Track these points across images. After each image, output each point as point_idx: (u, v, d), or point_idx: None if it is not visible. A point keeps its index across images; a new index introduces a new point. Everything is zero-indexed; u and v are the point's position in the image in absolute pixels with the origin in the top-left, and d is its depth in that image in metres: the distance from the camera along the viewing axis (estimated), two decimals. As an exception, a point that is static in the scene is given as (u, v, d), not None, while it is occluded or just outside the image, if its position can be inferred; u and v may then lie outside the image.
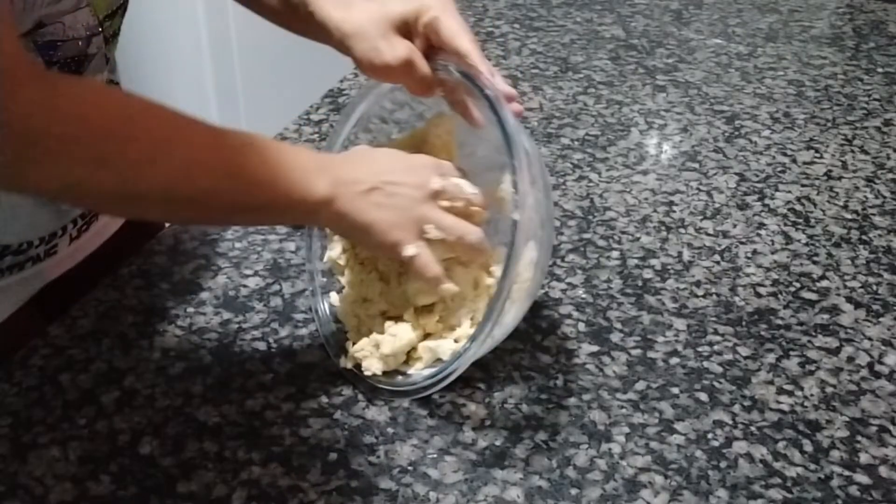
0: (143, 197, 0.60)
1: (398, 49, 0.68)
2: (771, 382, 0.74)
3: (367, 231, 0.66)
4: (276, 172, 0.63)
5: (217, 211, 0.65)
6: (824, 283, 0.86)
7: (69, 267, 0.85)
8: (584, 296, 0.83)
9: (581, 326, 0.79)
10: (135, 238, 0.91)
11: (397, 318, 0.73)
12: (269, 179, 0.63)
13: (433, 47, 0.70)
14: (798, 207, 0.97)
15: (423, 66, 0.69)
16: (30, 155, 0.54)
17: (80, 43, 0.69)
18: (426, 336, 0.72)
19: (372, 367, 0.71)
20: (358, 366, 0.72)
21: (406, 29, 0.69)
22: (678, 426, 0.70)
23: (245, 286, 0.83)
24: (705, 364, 0.76)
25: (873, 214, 0.96)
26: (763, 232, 0.93)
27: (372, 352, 0.71)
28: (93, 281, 0.83)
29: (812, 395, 0.73)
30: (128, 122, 0.59)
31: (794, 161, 1.06)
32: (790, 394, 0.73)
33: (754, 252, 0.90)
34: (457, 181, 0.68)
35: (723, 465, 0.67)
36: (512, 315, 0.68)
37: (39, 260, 0.81)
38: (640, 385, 0.73)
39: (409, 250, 0.66)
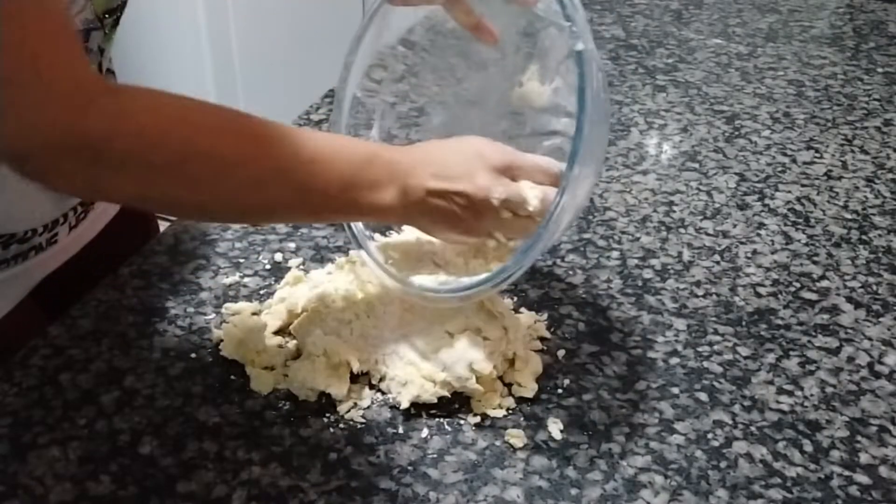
0: (215, 210, 0.65)
1: None
2: (771, 382, 0.74)
3: (434, 233, 0.71)
4: (344, 185, 0.64)
5: (289, 219, 0.73)
6: (824, 283, 0.86)
7: (69, 256, 0.86)
8: (584, 296, 0.83)
9: (581, 326, 0.79)
10: (130, 231, 0.91)
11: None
12: (337, 193, 0.64)
13: None
14: (798, 207, 0.97)
15: None
16: (102, 169, 0.56)
17: (78, 36, 0.69)
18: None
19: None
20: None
21: None
22: (678, 426, 0.70)
23: (245, 286, 0.83)
24: (705, 364, 0.76)
25: (873, 214, 0.96)
26: (763, 232, 0.93)
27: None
28: (90, 274, 0.83)
29: (812, 395, 0.73)
30: (195, 137, 0.59)
31: (794, 161, 1.06)
32: (790, 394, 0.73)
33: (754, 252, 0.90)
34: (519, 189, 0.67)
35: (723, 465, 0.67)
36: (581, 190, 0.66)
37: (42, 249, 0.81)
38: (640, 385, 0.73)
39: (496, 237, 0.69)
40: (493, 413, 0.70)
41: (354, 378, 0.71)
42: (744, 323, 0.81)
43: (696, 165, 1.04)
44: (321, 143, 0.65)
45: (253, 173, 0.61)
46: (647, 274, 0.86)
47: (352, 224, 0.76)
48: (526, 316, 0.79)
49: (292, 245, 0.88)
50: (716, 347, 0.78)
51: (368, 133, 0.80)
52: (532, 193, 0.67)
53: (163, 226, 0.95)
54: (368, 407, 0.71)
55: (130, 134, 0.56)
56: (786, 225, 0.94)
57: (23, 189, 0.74)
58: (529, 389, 0.71)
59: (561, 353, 0.76)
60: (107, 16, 0.72)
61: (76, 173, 0.56)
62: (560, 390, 0.73)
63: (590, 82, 0.59)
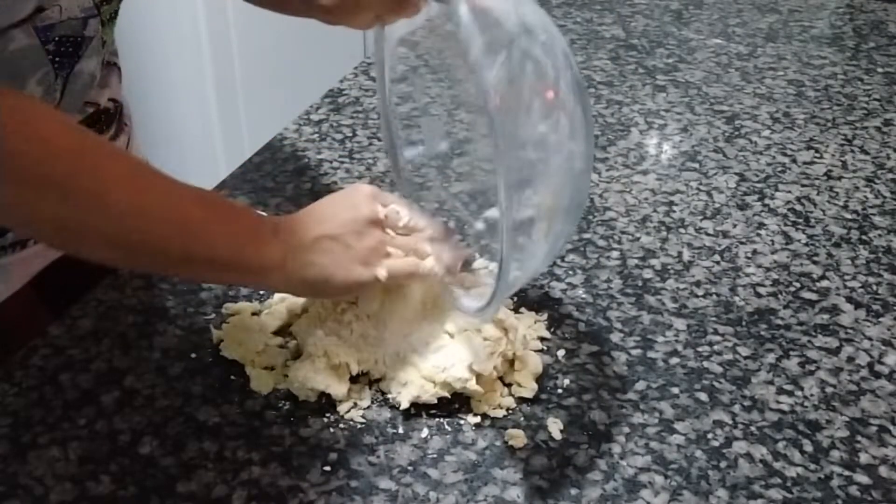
0: (87, 233, 0.60)
1: None
2: (771, 382, 0.74)
3: (325, 282, 0.67)
4: (230, 238, 0.65)
5: (166, 262, 0.65)
6: (824, 283, 0.86)
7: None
8: (584, 296, 0.83)
9: (581, 326, 0.79)
10: None
11: None
12: (223, 244, 0.64)
13: None
14: (798, 207, 0.97)
15: None
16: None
17: (75, 23, 0.69)
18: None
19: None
20: None
21: None
22: (678, 426, 0.70)
23: (245, 286, 0.83)
24: (705, 364, 0.76)
25: (873, 214, 0.96)
26: (763, 232, 0.93)
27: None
28: (93, 268, 0.83)
29: (812, 395, 0.73)
30: (83, 153, 0.59)
31: (794, 161, 1.06)
32: (790, 394, 0.73)
33: (754, 252, 0.90)
34: (397, 207, 0.70)
35: (723, 465, 0.67)
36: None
37: None
38: (640, 385, 0.73)
39: (380, 272, 0.67)
40: (493, 413, 0.70)
41: (354, 378, 0.71)
42: (744, 323, 0.81)
43: (696, 165, 1.04)
44: (209, 192, 0.66)
45: (131, 203, 0.60)
46: (647, 274, 0.86)
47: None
48: (526, 316, 0.79)
49: (292, 245, 0.88)
50: (716, 347, 0.78)
51: None
52: (408, 210, 0.70)
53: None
54: (368, 407, 0.71)
55: (20, 138, 0.54)
56: (786, 225, 0.94)
57: None
58: (529, 389, 0.71)
59: (561, 353, 0.76)
60: (104, 4, 0.71)
61: None
62: (560, 390, 0.73)
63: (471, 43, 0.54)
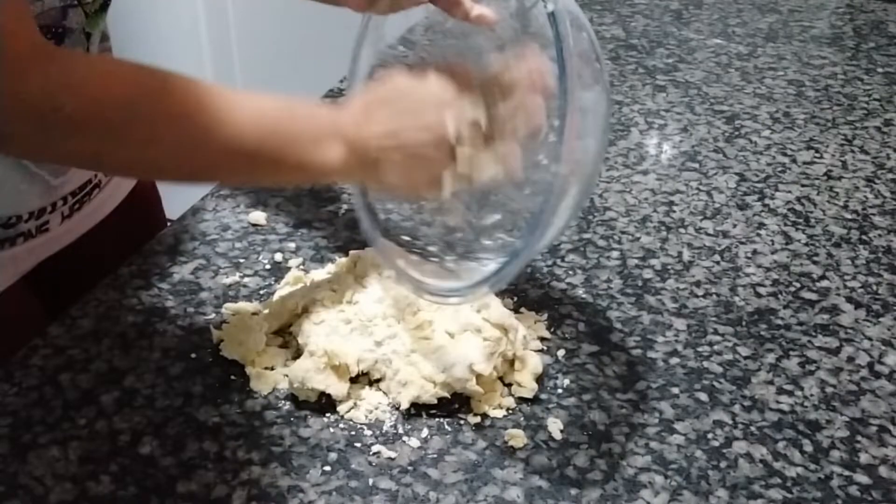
0: (157, 168, 0.65)
1: None
2: (771, 382, 0.74)
3: (388, 189, 0.68)
4: (287, 140, 0.63)
5: (232, 178, 0.71)
6: (824, 283, 0.86)
7: (62, 246, 0.86)
8: (584, 296, 0.83)
9: (581, 326, 0.79)
10: (134, 225, 0.91)
11: None
12: (280, 148, 0.63)
13: None
14: (798, 207, 0.97)
15: None
16: (46, 132, 0.57)
17: (54, 13, 0.69)
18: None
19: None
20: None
21: None
22: (678, 426, 0.70)
23: (245, 286, 0.83)
24: (705, 364, 0.76)
25: (873, 214, 0.96)
26: (763, 232, 0.93)
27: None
28: (91, 266, 0.83)
29: (812, 395, 0.73)
30: (138, 98, 0.60)
31: (794, 161, 1.06)
32: (790, 394, 0.73)
33: (754, 252, 0.90)
34: (474, 118, 0.64)
35: (723, 465, 0.67)
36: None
37: (31, 236, 0.81)
38: (640, 385, 0.73)
39: (445, 192, 0.64)
40: (493, 413, 0.70)
41: (354, 378, 0.71)
42: (744, 323, 0.81)
43: (696, 165, 1.04)
44: (268, 102, 0.64)
45: (192, 131, 0.61)
46: (647, 274, 0.86)
47: (362, 219, 0.75)
48: (526, 316, 0.79)
49: (292, 245, 0.88)
50: (716, 347, 0.78)
51: None
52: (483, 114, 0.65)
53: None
54: (368, 407, 0.71)
55: (74, 97, 0.56)
56: (786, 225, 0.94)
57: (1, 174, 0.75)
58: (529, 389, 0.71)
59: (561, 353, 0.76)
60: None
61: (26, 138, 0.58)
62: (560, 390, 0.73)
63: (566, 40, 0.57)
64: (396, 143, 0.63)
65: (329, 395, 0.70)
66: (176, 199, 1.09)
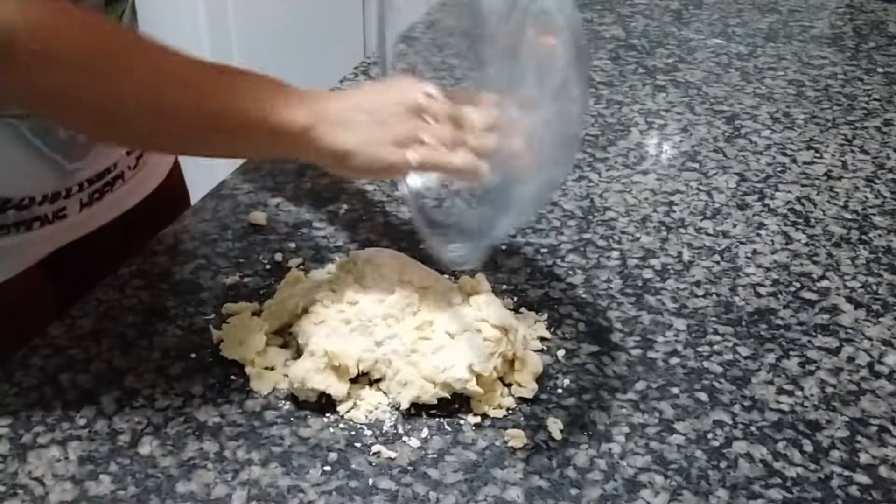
0: (114, 108, 0.61)
1: None
2: (771, 382, 0.74)
3: (349, 155, 0.65)
4: (253, 95, 0.63)
5: (191, 131, 0.65)
6: (824, 283, 0.86)
7: (81, 234, 0.86)
8: (584, 296, 0.83)
9: (581, 326, 0.79)
10: (155, 222, 0.91)
11: None
12: (246, 101, 0.63)
13: None
14: (798, 207, 0.97)
15: None
16: (10, 66, 0.57)
17: None
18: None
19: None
20: None
21: None
22: (678, 426, 0.70)
23: (245, 286, 0.83)
24: (705, 364, 0.76)
25: (873, 214, 0.96)
26: (763, 232, 0.93)
27: None
28: (107, 254, 0.83)
29: (812, 395, 0.73)
30: (100, 35, 0.60)
31: (794, 161, 1.06)
32: (790, 394, 0.73)
33: (754, 252, 0.90)
34: (444, 98, 0.65)
35: (723, 465, 0.67)
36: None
37: (48, 222, 0.81)
38: (640, 385, 0.73)
39: (412, 156, 0.64)
40: (493, 413, 0.70)
41: (354, 378, 0.71)
42: (744, 323, 0.81)
43: (696, 165, 1.04)
44: (225, 65, 0.65)
45: (153, 69, 0.61)
46: (647, 274, 0.86)
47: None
48: (526, 316, 0.79)
49: (292, 245, 0.88)
50: (716, 347, 0.78)
51: None
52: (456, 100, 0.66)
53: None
54: (368, 407, 0.71)
55: (33, 28, 0.56)
56: (786, 225, 0.94)
57: (13, 153, 0.75)
58: (529, 389, 0.71)
59: (561, 353, 0.76)
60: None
61: None
62: (560, 390, 0.73)
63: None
64: (362, 107, 0.65)
65: (329, 395, 0.70)
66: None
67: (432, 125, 0.66)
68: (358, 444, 0.67)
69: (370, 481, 0.65)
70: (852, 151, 1.08)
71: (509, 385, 0.72)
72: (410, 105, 0.65)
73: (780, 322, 0.81)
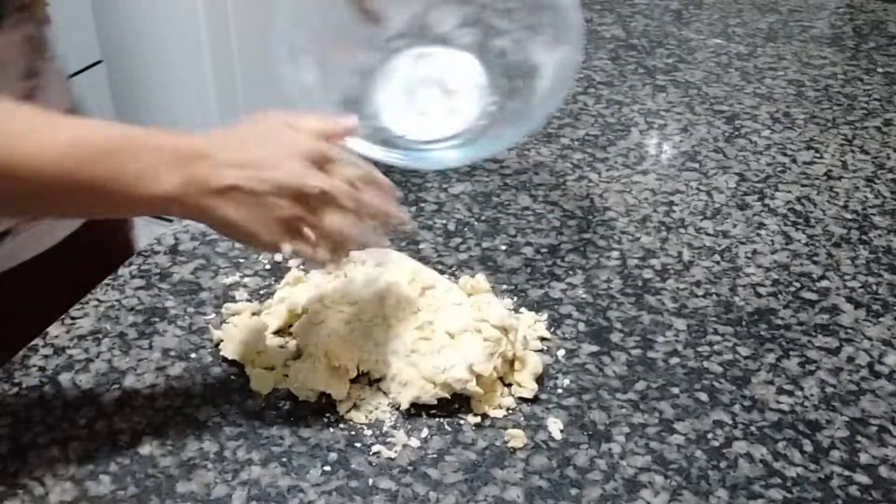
0: None
1: None
2: (771, 382, 0.74)
3: (227, 229, 0.62)
4: (110, 166, 0.58)
5: (45, 205, 0.61)
6: (824, 283, 0.86)
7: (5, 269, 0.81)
8: (584, 296, 0.83)
9: (581, 326, 0.79)
10: (89, 258, 0.87)
11: None
12: (100, 173, 0.58)
13: None
14: (798, 207, 0.97)
15: None
16: None
17: None
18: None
19: None
20: None
21: None
22: (678, 426, 0.70)
23: (245, 286, 0.83)
24: (705, 364, 0.76)
25: (873, 214, 0.96)
26: (763, 232, 0.93)
27: None
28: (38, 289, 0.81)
29: (812, 395, 0.73)
30: None
31: (794, 161, 1.06)
32: (790, 394, 0.73)
33: (754, 252, 0.90)
34: (335, 186, 0.62)
35: (723, 465, 0.67)
36: None
37: None
38: (640, 385, 0.73)
39: (285, 247, 0.62)
40: (493, 413, 0.70)
41: (354, 378, 0.71)
42: (744, 323, 0.81)
43: (696, 165, 1.04)
44: (85, 127, 0.60)
45: (15, 149, 0.56)
46: (647, 274, 0.86)
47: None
48: (526, 316, 0.79)
49: (292, 245, 0.88)
50: (716, 347, 0.78)
51: None
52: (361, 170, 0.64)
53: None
54: (368, 407, 0.71)
55: None
56: (786, 225, 0.94)
57: None
58: (529, 389, 0.71)
59: (561, 353, 0.76)
60: None
61: None
62: (560, 390, 0.73)
63: None
64: (244, 179, 0.60)
65: (329, 395, 0.70)
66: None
67: (320, 219, 0.63)
68: (358, 444, 0.67)
69: (370, 481, 0.65)
70: (852, 151, 1.08)
71: (509, 385, 0.72)
72: (295, 189, 0.61)
73: (780, 322, 0.81)
